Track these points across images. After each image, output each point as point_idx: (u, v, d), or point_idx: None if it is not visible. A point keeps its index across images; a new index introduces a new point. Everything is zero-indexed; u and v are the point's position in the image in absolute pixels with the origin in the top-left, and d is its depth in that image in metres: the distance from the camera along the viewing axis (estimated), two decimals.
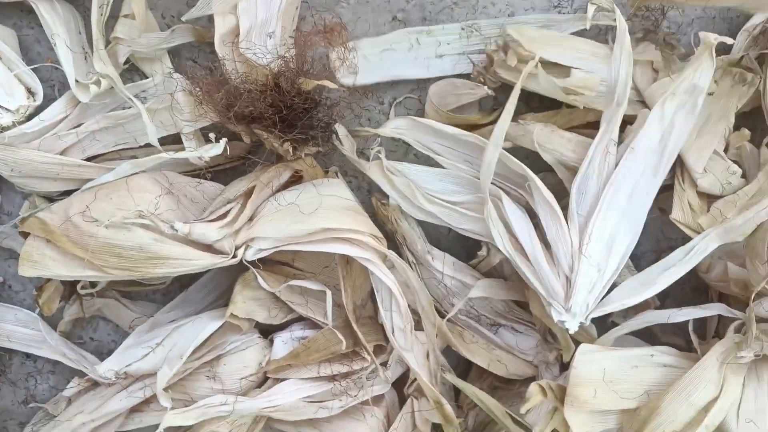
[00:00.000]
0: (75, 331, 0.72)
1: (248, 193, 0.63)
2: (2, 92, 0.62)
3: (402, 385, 0.71)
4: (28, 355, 0.72)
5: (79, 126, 0.63)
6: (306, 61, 0.59)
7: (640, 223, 0.60)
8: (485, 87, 0.66)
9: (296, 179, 0.67)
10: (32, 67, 0.64)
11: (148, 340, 0.65)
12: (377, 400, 0.70)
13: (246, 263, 0.62)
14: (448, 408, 0.65)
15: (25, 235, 0.61)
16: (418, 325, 0.68)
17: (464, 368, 0.74)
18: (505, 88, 0.65)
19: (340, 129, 0.65)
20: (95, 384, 0.68)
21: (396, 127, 0.65)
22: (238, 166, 0.69)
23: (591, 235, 0.59)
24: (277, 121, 0.58)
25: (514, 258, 0.63)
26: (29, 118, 0.63)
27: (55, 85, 0.68)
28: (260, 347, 0.67)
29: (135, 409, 0.66)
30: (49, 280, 0.66)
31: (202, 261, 0.60)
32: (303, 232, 0.60)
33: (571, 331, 0.60)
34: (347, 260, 0.66)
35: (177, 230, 0.59)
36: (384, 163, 0.65)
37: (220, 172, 0.68)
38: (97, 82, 0.62)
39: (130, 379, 0.66)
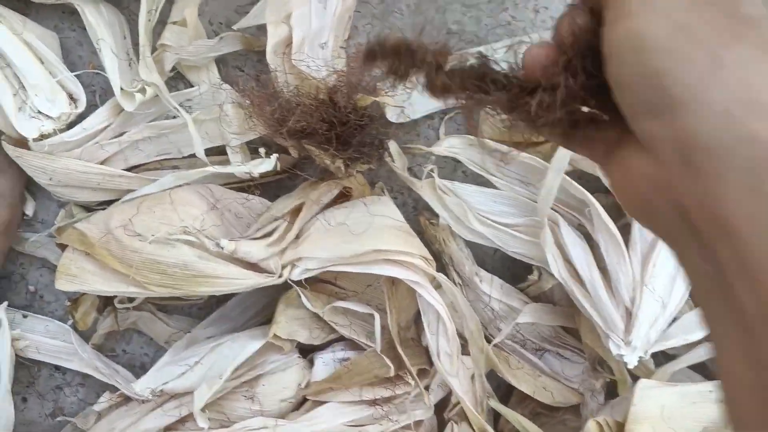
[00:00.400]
0: (107, 344, 0.70)
1: (296, 211, 0.61)
2: (44, 98, 0.59)
3: (442, 409, 0.69)
4: (57, 368, 0.70)
5: (121, 135, 0.61)
6: (363, 75, 0.56)
7: None
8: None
9: (344, 196, 0.64)
10: (75, 74, 0.61)
11: (186, 357, 0.62)
12: (417, 424, 0.68)
13: (291, 282, 0.60)
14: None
15: (63, 247, 0.59)
16: (464, 349, 0.65)
17: (505, 392, 0.72)
18: None
19: (392, 146, 0.62)
20: (127, 399, 0.66)
21: (450, 146, 0.63)
22: (282, 179, 0.67)
23: (654, 265, 0.57)
24: (333, 138, 0.55)
25: (571, 286, 0.60)
26: (70, 125, 0.61)
27: (96, 91, 0.65)
28: (300, 368, 0.64)
29: (169, 428, 0.64)
30: (84, 293, 0.64)
31: (247, 281, 0.58)
32: (352, 253, 0.58)
33: (630, 366, 0.57)
34: (393, 281, 0.64)
35: (223, 248, 0.57)
36: (437, 182, 0.62)
37: (263, 185, 0.66)
38: (142, 90, 0.59)
39: (164, 396, 0.64)
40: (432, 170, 0.63)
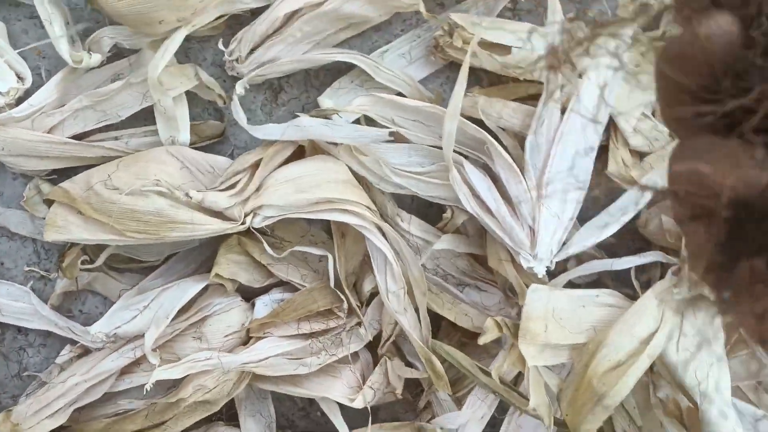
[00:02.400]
0: (64, 305, 0.76)
1: (255, 166, 0.68)
2: None
3: (376, 347, 0.76)
4: (20, 330, 0.76)
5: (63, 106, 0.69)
6: None
7: (588, 174, 0.67)
8: None
9: (300, 154, 0.72)
10: (19, 51, 0.69)
11: (136, 303, 0.69)
12: (353, 359, 0.75)
13: (253, 230, 0.68)
14: (439, 365, 0.71)
15: (50, 203, 0.67)
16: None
17: (434, 331, 0.80)
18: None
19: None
20: (87, 351, 0.72)
21: (360, 105, 0.71)
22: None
23: (547, 186, 0.66)
24: None
25: (482, 216, 0.69)
26: (19, 102, 0.68)
27: (42, 74, 0.72)
28: (243, 309, 0.72)
29: (126, 371, 0.70)
30: (71, 246, 0.71)
31: (213, 226, 0.66)
32: (306, 202, 0.67)
33: (540, 275, 0.66)
34: (342, 233, 0.72)
35: (191, 197, 0.64)
36: (352, 146, 0.70)
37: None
38: (89, 54, 0.67)
39: (120, 342, 0.70)
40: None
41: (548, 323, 0.64)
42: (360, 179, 0.73)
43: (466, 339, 0.79)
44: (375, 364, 0.76)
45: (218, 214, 0.66)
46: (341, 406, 0.74)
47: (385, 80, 0.74)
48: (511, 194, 0.67)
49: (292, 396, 0.79)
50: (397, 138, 0.73)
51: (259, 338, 0.70)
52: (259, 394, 0.76)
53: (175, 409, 0.68)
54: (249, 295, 0.74)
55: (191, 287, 0.68)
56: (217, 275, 0.68)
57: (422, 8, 0.69)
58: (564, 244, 0.68)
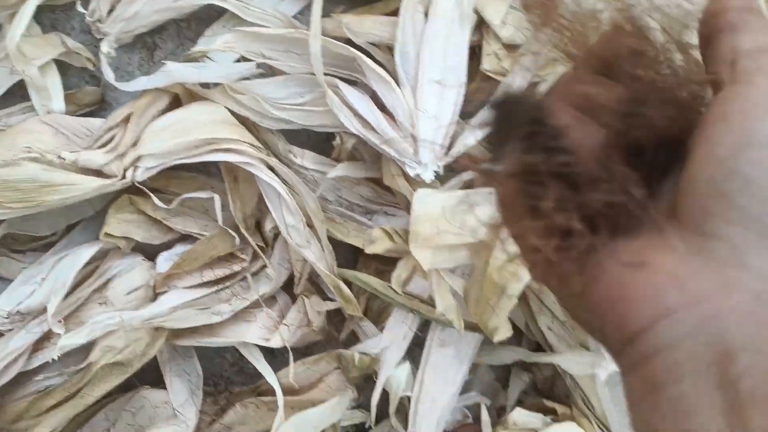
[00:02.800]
0: None
1: (128, 119, 0.68)
2: None
3: (292, 287, 0.76)
4: None
5: None
6: None
7: (462, 73, 0.66)
8: None
9: (176, 103, 0.71)
10: None
11: (34, 276, 0.68)
12: (270, 303, 0.75)
13: (138, 185, 0.67)
14: (346, 290, 0.70)
15: None
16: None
17: (351, 262, 0.79)
18: None
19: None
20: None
21: (225, 41, 0.70)
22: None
23: (421, 90, 0.65)
24: None
25: (366, 134, 0.68)
26: None
27: None
28: (145, 267, 0.71)
29: (37, 347, 0.70)
30: None
31: (92, 184, 0.65)
32: (185, 146, 0.66)
33: (428, 181, 0.65)
34: (234, 177, 0.71)
35: (64, 158, 0.64)
36: (226, 86, 0.70)
37: None
38: None
39: (27, 319, 0.69)
40: None
41: (439, 225, 0.63)
42: (244, 120, 0.73)
43: (383, 266, 0.78)
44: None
45: (98, 173, 0.66)
46: (271, 352, 0.74)
47: (255, 19, 0.73)
48: (388, 105, 0.67)
49: (223, 353, 0.79)
50: (273, 72, 0.72)
51: (165, 293, 0.70)
52: (184, 353, 0.75)
53: (89, 375, 0.67)
54: (154, 253, 0.73)
55: (85, 252, 0.68)
56: (107, 234, 0.67)
57: None
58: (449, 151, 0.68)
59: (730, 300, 0.19)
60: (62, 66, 0.73)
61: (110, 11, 0.71)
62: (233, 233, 0.68)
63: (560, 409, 0.71)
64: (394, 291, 0.69)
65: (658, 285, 0.20)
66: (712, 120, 0.21)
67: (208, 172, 0.75)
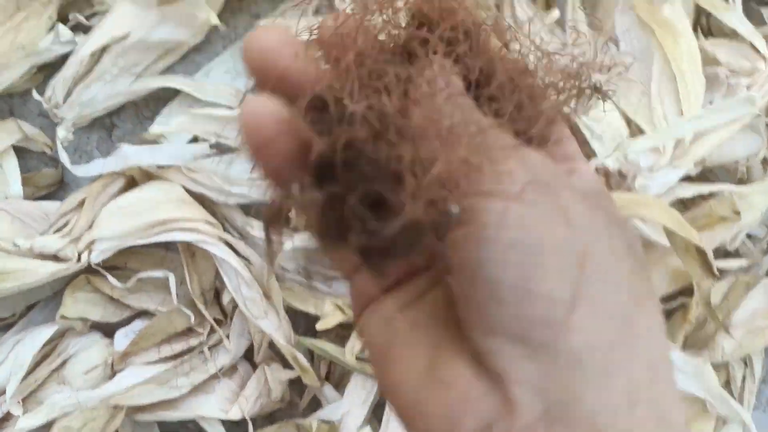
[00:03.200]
0: None
1: (83, 203, 0.69)
2: None
3: (253, 356, 0.77)
4: None
5: None
6: None
7: None
8: None
9: (132, 185, 0.73)
10: None
11: None
12: (230, 372, 0.76)
13: (95, 266, 0.68)
14: (304, 360, 0.71)
15: None
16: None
17: (312, 329, 0.81)
18: None
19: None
20: None
21: (179, 124, 0.73)
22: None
23: None
24: None
25: None
26: None
27: None
28: (103, 345, 0.72)
29: None
30: None
31: (48, 268, 0.66)
32: (141, 227, 0.68)
33: None
34: (192, 252, 0.73)
35: (19, 246, 0.65)
36: (183, 169, 0.72)
37: None
38: None
39: None
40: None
41: None
42: (200, 197, 0.75)
43: (344, 331, 0.80)
44: None
45: (54, 258, 0.67)
46: (236, 422, 0.74)
47: (210, 97, 0.76)
48: None
49: (186, 424, 0.79)
50: (226, 149, 0.74)
51: (123, 370, 0.70)
52: (146, 427, 0.75)
53: None
54: (112, 330, 0.74)
55: (44, 332, 0.69)
56: (62, 317, 0.68)
57: (215, 20, 0.71)
58: None
59: (519, 421, 0.19)
60: (21, 149, 0.75)
61: (67, 96, 0.73)
62: (187, 311, 0.69)
63: None
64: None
65: (453, 407, 0.20)
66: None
67: (166, 246, 0.76)
